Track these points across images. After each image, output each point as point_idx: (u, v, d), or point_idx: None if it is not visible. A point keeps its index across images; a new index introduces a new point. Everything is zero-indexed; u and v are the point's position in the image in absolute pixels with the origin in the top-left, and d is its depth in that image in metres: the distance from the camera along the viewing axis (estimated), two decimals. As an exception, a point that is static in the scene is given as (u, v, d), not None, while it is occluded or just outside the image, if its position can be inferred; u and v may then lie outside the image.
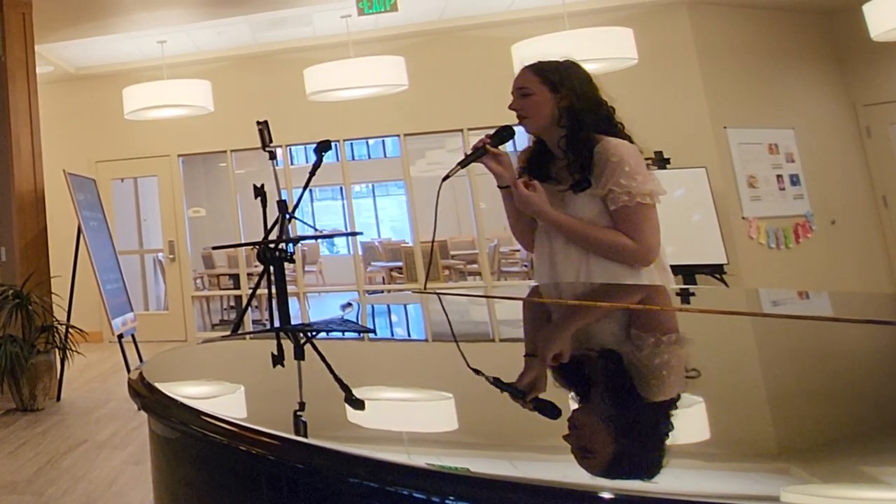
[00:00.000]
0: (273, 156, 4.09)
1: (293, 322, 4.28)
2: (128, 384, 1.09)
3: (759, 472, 0.67)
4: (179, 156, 8.73)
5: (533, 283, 2.43)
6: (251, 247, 4.47)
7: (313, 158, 3.55)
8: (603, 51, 5.77)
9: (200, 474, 0.94)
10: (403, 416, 0.98)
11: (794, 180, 7.26)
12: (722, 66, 7.17)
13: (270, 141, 4.06)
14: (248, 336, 3.03)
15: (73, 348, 5.49)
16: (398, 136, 8.15)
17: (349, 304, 1.97)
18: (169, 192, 8.76)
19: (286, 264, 3.58)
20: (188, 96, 7.16)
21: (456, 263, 10.11)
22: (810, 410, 0.85)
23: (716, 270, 6.40)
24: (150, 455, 1.11)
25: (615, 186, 2.04)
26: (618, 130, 2.15)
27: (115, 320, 5.83)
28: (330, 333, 1.64)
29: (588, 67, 2.25)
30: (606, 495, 0.58)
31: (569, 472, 0.71)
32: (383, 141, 14.33)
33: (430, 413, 0.99)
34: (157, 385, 1.04)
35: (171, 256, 8.72)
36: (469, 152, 2.27)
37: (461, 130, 7.86)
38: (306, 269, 11.14)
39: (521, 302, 2.18)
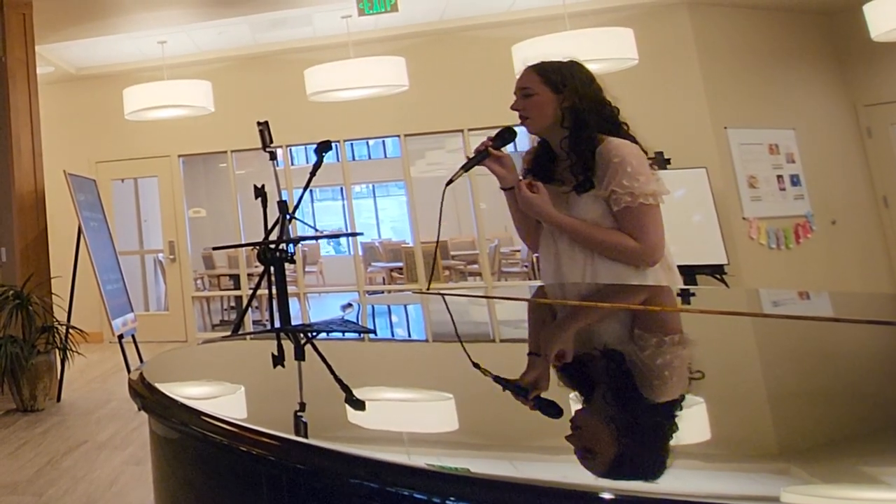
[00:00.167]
0: (273, 156, 4.09)
1: (293, 322, 4.28)
2: (128, 384, 1.09)
3: (759, 472, 0.67)
4: (180, 156, 8.74)
5: (532, 283, 2.43)
6: (252, 247, 4.47)
7: (314, 159, 3.55)
8: (603, 51, 5.77)
9: (200, 474, 0.94)
10: (404, 417, 0.98)
11: (795, 181, 7.26)
12: (722, 67, 7.18)
13: (271, 141, 4.06)
14: (248, 336, 3.03)
15: (74, 349, 5.49)
16: (398, 136, 8.15)
17: (349, 305, 1.97)
18: (169, 192, 8.76)
19: (286, 265, 3.58)
20: (188, 96, 7.16)
21: (456, 264, 10.11)
22: (811, 411, 0.85)
23: (716, 271, 6.40)
24: (150, 455, 1.11)
25: (617, 187, 2.04)
26: (622, 131, 2.14)
27: (115, 321, 5.83)
28: (330, 334, 1.64)
29: (589, 68, 2.25)
30: (607, 496, 0.58)
31: (569, 472, 0.71)
32: (383, 141, 14.33)
33: (430, 413, 0.99)
34: (158, 385, 1.04)
35: (171, 257, 8.72)
36: (471, 155, 2.26)
37: (461, 131, 7.86)
38: (307, 269, 11.15)
39: (520, 302, 2.18)
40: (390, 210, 16.16)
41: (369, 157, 15.61)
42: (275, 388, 1.20)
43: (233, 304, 10.31)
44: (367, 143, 14.62)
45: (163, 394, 1.01)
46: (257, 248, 3.61)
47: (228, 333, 5.63)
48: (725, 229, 6.58)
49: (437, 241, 2.49)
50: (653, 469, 0.69)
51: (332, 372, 1.26)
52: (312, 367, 1.33)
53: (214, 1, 6.91)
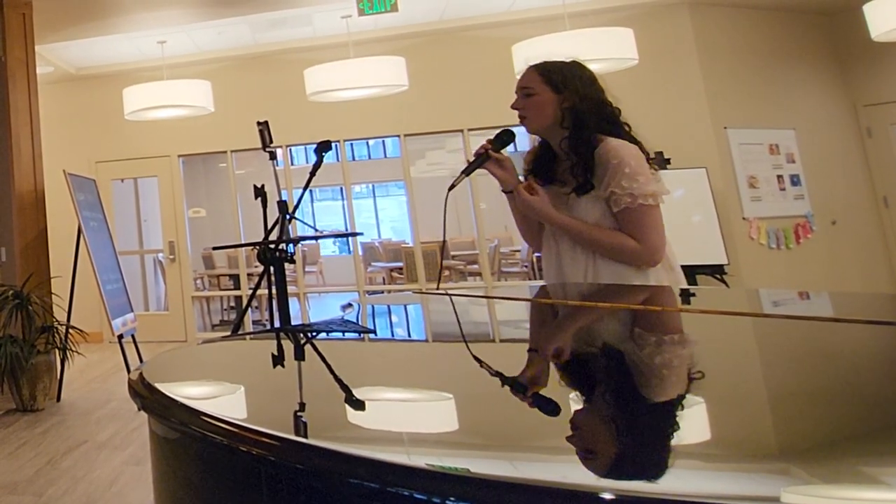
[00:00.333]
0: (273, 156, 4.09)
1: (293, 322, 4.28)
2: (128, 384, 1.09)
3: (759, 472, 0.67)
4: (179, 156, 8.74)
5: (532, 283, 2.44)
6: (251, 247, 4.47)
7: (313, 159, 3.55)
8: (603, 51, 5.77)
9: (200, 474, 0.94)
10: (404, 417, 0.98)
11: (795, 181, 7.26)
12: (723, 67, 7.18)
13: (271, 141, 4.06)
14: (248, 336, 3.03)
15: (74, 349, 5.49)
16: (398, 136, 8.15)
17: (349, 305, 1.97)
18: (169, 192, 8.76)
19: (286, 265, 3.58)
20: (188, 96, 7.16)
21: (456, 264, 10.11)
22: (811, 411, 0.85)
23: (716, 271, 6.41)
24: (150, 455, 1.11)
25: (617, 188, 2.04)
26: (622, 132, 2.13)
27: (115, 321, 5.83)
28: (330, 334, 1.64)
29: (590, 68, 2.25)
30: (607, 496, 0.58)
31: (569, 472, 0.71)
32: (383, 141, 14.33)
33: (430, 413, 0.99)
34: (158, 385, 1.04)
35: (171, 257, 8.72)
36: (471, 159, 2.26)
37: (461, 131, 7.86)
38: (306, 269, 11.15)
39: (521, 302, 2.18)
40: (390, 210, 16.16)
41: (369, 157, 15.62)
42: (274, 388, 1.20)
43: (232, 304, 10.31)
44: (367, 143, 14.62)
45: (162, 394, 1.01)
46: (257, 248, 3.60)
47: (228, 333, 5.63)
48: (725, 229, 6.58)
49: (443, 245, 2.48)
50: (653, 469, 0.69)
51: (332, 372, 1.26)
52: (312, 367, 1.33)
53: (214, 1, 6.91)
